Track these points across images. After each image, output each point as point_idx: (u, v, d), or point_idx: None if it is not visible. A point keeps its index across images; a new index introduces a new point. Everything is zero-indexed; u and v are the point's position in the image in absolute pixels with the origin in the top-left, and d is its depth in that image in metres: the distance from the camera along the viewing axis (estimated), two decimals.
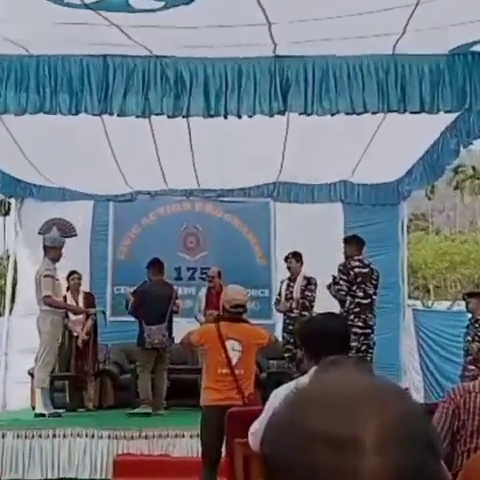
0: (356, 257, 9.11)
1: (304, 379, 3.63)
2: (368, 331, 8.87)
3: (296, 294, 9.83)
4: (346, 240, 9.57)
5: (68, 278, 10.44)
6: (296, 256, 10.01)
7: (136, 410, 9.45)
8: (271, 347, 8.08)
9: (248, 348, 6.00)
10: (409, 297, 13.76)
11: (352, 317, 8.72)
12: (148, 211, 12.38)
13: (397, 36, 6.39)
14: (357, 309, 8.85)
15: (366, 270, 9.04)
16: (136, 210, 12.31)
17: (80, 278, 10.64)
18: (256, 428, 3.83)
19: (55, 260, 9.51)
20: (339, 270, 9.05)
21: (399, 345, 11.68)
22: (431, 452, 0.84)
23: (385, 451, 0.81)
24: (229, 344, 5.93)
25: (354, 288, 8.92)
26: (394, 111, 6.90)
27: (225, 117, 7.02)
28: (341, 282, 8.96)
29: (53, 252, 9.53)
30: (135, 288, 10.14)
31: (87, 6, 5.78)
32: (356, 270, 8.98)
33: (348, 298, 8.91)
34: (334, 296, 9.05)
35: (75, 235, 10.50)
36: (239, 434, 4.12)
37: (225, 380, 5.92)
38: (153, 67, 6.91)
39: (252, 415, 3.96)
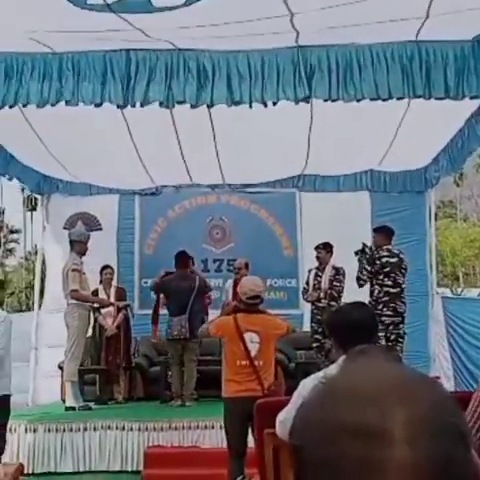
0: (385, 247, 9.06)
1: (332, 369, 3.63)
2: (398, 319, 8.79)
3: (324, 284, 9.80)
4: (376, 230, 9.54)
5: (101, 272, 10.52)
6: (327, 247, 9.96)
7: (168, 404, 9.53)
8: (298, 337, 8.07)
9: (266, 339, 6.01)
10: (438, 285, 13.64)
11: (381, 306, 8.68)
12: (174, 204, 12.41)
13: (420, 22, 6.32)
14: (386, 298, 8.79)
15: (395, 259, 8.98)
16: (162, 203, 12.34)
17: (112, 272, 10.71)
18: (283, 417, 3.84)
19: (81, 254, 9.58)
20: (366, 258, 9.01)
21: (428, 333, 11.61)
22: (461, 442, 0.83)
23: (414, 442, 0.79)
24: (247, 336, 5.94)
25: (381, 277, 8.87)
26: (419, 97, 6.82)
27: (250, 105, 6.90)
28: (364, 272, 8.93)
29: (79, 246, 9.60)
30: (169, 271, 10.16)
31: (109, 7, 5.77)
32: (383, 260, 8.93)
33: (376, 287, 8.88)
34: (358, 272, 8.98)
35: (100, 229, 10.55)
36: (268, 425, 4.12)
37: (245, 372, 5.94)
38: (176, 60, 6.85)
39: (280, 406, 3.95)
